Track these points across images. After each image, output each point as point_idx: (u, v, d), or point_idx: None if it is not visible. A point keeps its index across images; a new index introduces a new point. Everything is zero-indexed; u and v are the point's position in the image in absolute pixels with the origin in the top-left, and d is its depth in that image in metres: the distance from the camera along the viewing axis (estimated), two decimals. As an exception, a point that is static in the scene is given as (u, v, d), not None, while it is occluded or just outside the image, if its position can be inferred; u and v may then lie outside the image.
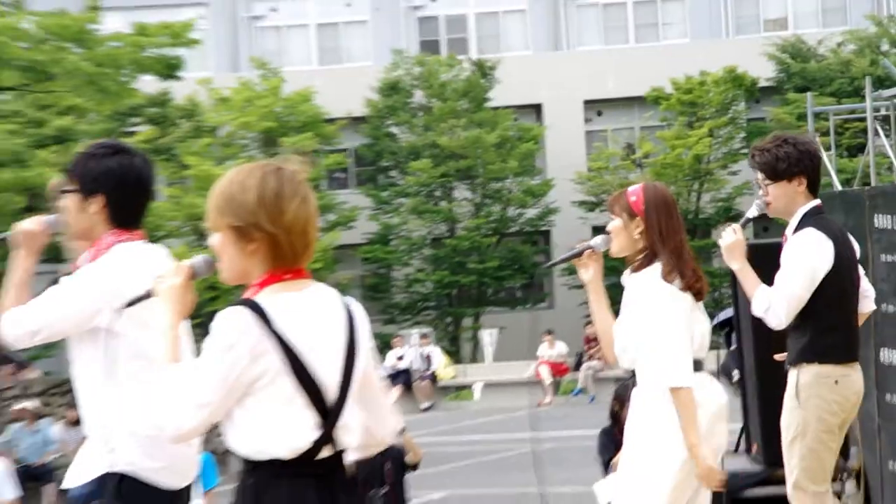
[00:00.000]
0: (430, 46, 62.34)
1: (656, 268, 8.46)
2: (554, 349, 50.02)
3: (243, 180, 5.73)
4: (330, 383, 5.58)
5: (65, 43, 34.47)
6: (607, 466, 16.57)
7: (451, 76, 58.61)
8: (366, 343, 5.91)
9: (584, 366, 47.88)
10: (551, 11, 63.92)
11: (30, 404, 35.07)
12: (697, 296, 8.60)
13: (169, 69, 38.27)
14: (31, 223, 8.14)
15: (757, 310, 9.48)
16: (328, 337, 5.67)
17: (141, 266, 7.30)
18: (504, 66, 59.00)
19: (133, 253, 7.53)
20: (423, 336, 53.27)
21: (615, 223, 8.72)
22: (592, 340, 46.59)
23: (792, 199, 9.61)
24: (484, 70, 58.68)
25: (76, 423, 32.46)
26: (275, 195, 5.65)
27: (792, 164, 9.66)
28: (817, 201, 9.70)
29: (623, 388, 13.26)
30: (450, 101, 57.75)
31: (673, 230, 8.64)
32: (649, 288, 8.42)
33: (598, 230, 9.31)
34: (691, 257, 8.71)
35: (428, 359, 51.40)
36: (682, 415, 8.37)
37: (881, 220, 14.94)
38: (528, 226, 59.36)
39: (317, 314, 5.68)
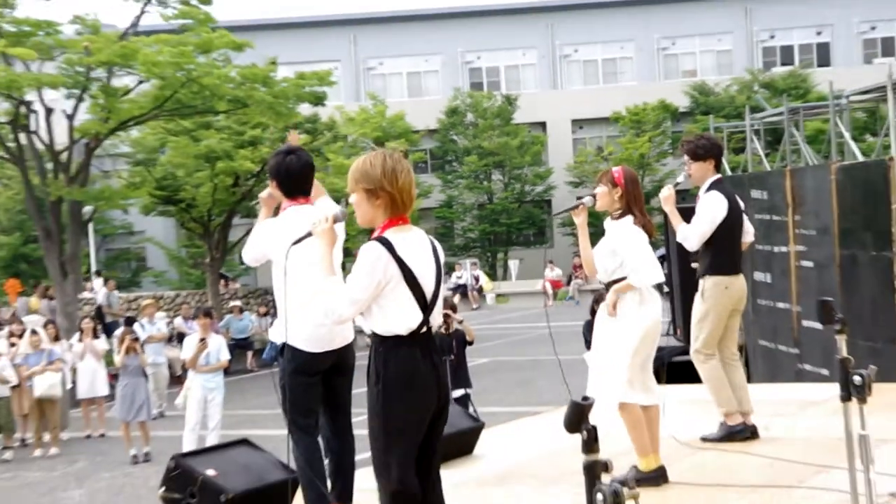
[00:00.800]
0: (476, 86, 62.26)
1: (629, 219, 8.48)
2: (554, 272, 50.36)
3: (372, 160, 6.01)
4: (427, 289, 5.87)
5: (255, 84, 34.49)
6: (589, 343, 16.51)
7: (490, 104, 58.57)
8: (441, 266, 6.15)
9: (573, 283, 48.35)
10: (551, 65, 63.97)
11: (237, 303, 35.53)
12: (650, 237, 8.67)
13: (317, 100, 38.16)
14: (265, 193, 8.36)
15: (679, 238, 9.79)
16: (425, 261, 5.93)
17: (302, 220, 7.37)
18: (522, 98, 58.47)
19: (297, 212, 7.71)
20: (473, 264, 52.86)
21: (602, 189, 8.71)
22: (578, 267, 47.25)
23: (704, 173, 9.80)
24: (510, 100, 58.53)
25: (265, 314, 33.22)
26: (391, 169, 5.93)
27: (706, 150, 9.88)
28: (720, 175, 9.94)
29: (599, 295, 13.16)
30: (488, 119, 57.79)
31: (640, 196, 8.72)
32: (627, 230, 8.46)
33: (581, 198, 9.40)
34: (647, 213, 8.75)
35: (476, 278, 51.32)
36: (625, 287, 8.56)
37: (755, 193, 15.23)
38: (537, 197, 59.18)
39: (418, 246, 5.94)
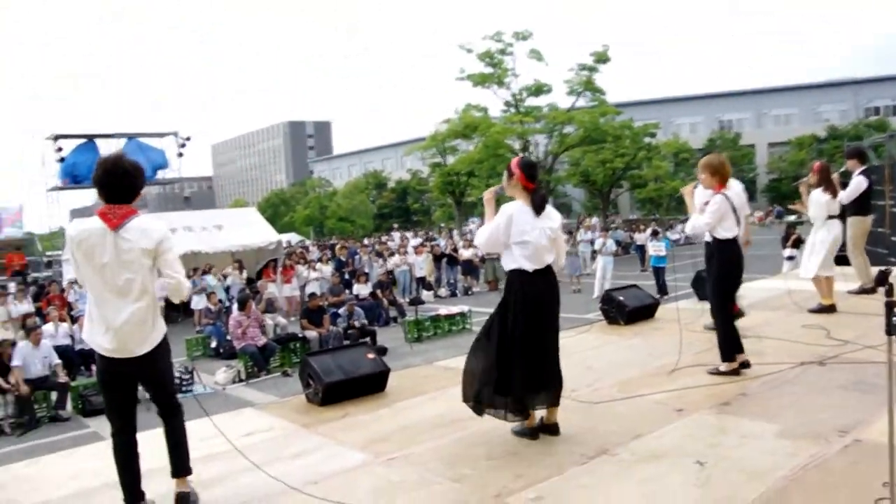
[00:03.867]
0: (721, 129, 58.47)
1: (821, 188, 7.60)
2: (756, 214, 46.39)
3: (709, 159, 5.51)
4: (740, 216, 5.38)
5: (624, 129, 33.81)
6: (784, 245, 15.32)
7: (728, 136, 55.18)
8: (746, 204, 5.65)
9: (767, 218, 44.62)
10: (757, 118, 59.80)
11: (614, 224, 33.89)
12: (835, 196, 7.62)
13: (651, 136, 36.90)
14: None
15: (839, 197, 7.97)
16: (739, 201, 5.42)
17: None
18: (743, 134, 55.42)
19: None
20: None
21: (811, 175, 7.73)
22: (768, 213, 43.83)
23: (854, 166, 8.32)
24: (737, 135, 54.66)
25: (626, 230, 31.19)
26: (720, 162, 5.43)
27: (852, 154, 8.55)
28: (865, 166, 8.34)
29: (790, 224, 12.02)
30: (727, 143, 53.77)
31: (828, 176, 7.70)
32: (819, 195, 7.62)
33: (804, 179, 8.17)
34: (832, 184, 7.72)
35: None
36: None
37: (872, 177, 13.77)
38: (749, 180, 54.90)
39: (737, 194, 5.42)
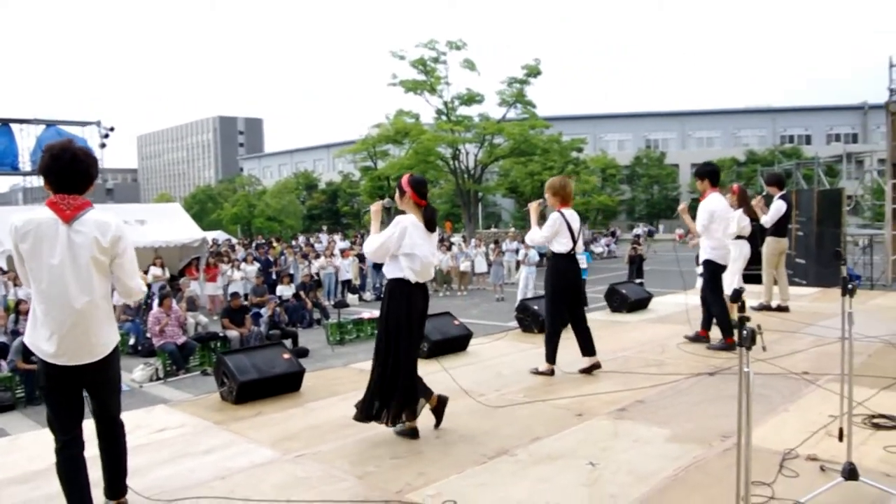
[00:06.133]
0: (647, 147, 60.52)
1: (740, 210, 7.71)
2: (677, 231, 47.51)
3: (554, 180, 5.91)
4: (575, 233, 5.71)
5: (553, 143, 34.35)
6: (697, 263, 15.67)
7: (654, 155, 56.96)
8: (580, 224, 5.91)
9: (687, 237, 45.81)
10: (682, 139, 61.80)
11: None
12: (754, 220, 8.06)
13: (579, 151, 37.65)
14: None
15: (761, 220, 8.70)
16: (575, 221, 5.76)
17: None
18: (668, 154, 56.87)
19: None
20: (644, 227, 50.89)
21: (729, 196, 7.69)
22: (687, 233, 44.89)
23: (774, 191, 9.00)
24: (662, 154, 56.69)
25: None
26: (559, 184, 5.81)
27: (773, 181, 9.20)
28: (784, 191, 8.99)
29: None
30: (653, 162, 55.91)
31: (747, 199, 8.00)
32: (740, 216, 7.65)
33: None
34: (751, 207, 8.04)
35: (642, 234, 48.78)
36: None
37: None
38: (672, 197, 56.55)
39: (572, 215, 5.79)
